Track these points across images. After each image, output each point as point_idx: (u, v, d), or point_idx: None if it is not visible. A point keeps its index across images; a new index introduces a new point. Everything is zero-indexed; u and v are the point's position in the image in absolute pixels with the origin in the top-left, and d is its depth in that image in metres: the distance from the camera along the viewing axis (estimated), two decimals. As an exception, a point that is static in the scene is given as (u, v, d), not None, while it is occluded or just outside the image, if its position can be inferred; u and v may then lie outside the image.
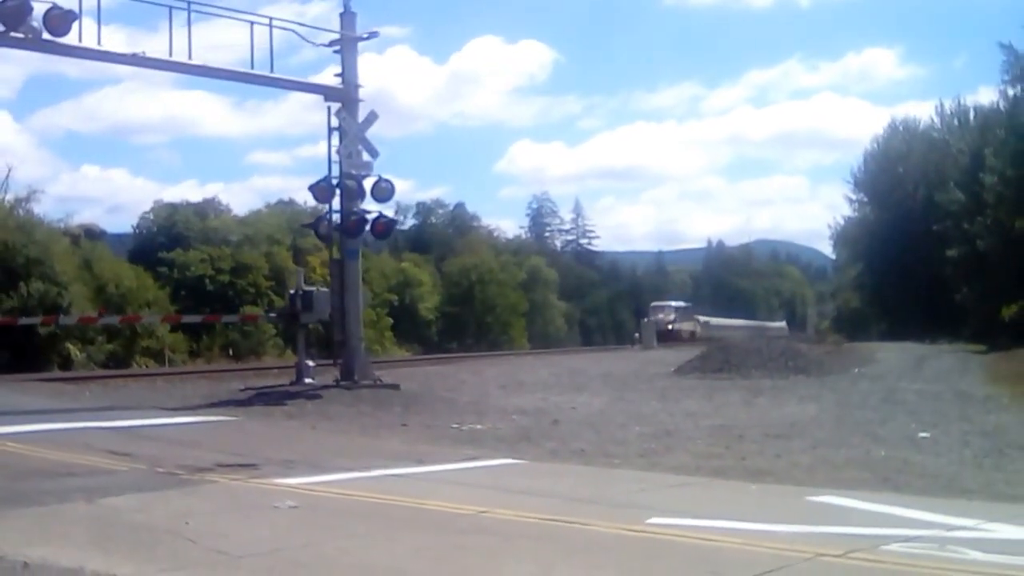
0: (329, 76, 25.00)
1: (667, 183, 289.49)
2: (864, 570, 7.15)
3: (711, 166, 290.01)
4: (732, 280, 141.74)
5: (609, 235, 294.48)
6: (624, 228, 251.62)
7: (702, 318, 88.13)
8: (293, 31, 24.50)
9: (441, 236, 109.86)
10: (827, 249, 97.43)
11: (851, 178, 79.82)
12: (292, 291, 25.79)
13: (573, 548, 7.84)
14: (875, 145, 78.17)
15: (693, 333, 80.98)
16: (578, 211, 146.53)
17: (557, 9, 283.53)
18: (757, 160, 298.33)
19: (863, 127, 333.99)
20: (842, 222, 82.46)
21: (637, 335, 65.33)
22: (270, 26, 23.27)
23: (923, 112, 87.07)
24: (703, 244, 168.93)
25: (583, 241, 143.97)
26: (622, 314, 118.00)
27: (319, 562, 7.37)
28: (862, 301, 79.67)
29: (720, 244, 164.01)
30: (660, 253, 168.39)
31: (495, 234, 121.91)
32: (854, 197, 79.61)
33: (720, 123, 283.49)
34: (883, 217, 72.65)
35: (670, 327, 76.99)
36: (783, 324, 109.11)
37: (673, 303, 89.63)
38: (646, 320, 71.87)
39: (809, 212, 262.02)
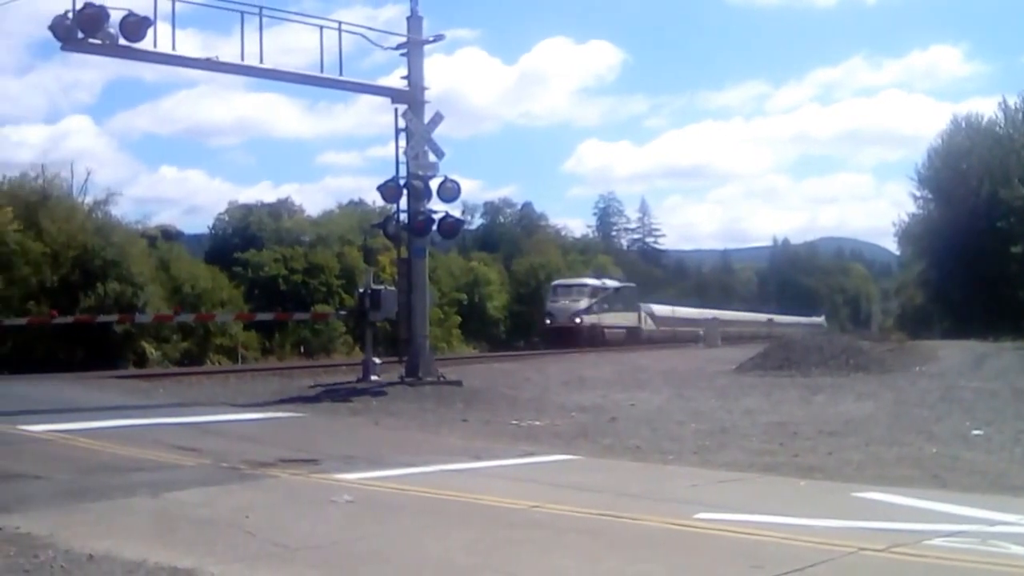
0: (397, 79, 25.33)
1: (733, 181, 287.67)
2: (905, 564, 7.21)
3: (777, 164, 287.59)
4: (798, 278, 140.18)
5: (675, 234, 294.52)
6: (690, 227, 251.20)
7: (658, 308, 70.54)
8: (361, 35, 24.90)
9: (509, 235, 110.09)
10: (892, 246, 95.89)
11: (915, 175, 78.71)
12: (360, 290, 26.19)
13: (621, 542, 7.98)
14: (939, 142, 76.89)
15: (632, 331, 62.55)
16: (644, 210, 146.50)
17: (625, 10, 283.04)
18: (823, 158, 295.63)
19: (928, 124, 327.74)
20: (906, 219, 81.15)
21: (701, 333, 64.94)
22: (339, 30, 23.68)
23: (987, 108, 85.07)
24: (768, 242, 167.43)
25: (649, 240, 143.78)
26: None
27: (372, 555, 7.57)
28: (926, 298, 78.37)
29: (785, 242, 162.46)
30: (726, 251, 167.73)
31: (562, 233, 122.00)
32: (918, 194, 78.37)
33: (786, 121, 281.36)
34: (947, 214, 71.46)
35: (578, 320, 57.51)
36: (821, 319, 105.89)
37: (591, 280, 65.42)
38: (548, 308, 60.03)
39: (875, 209, 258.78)
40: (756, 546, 7.67)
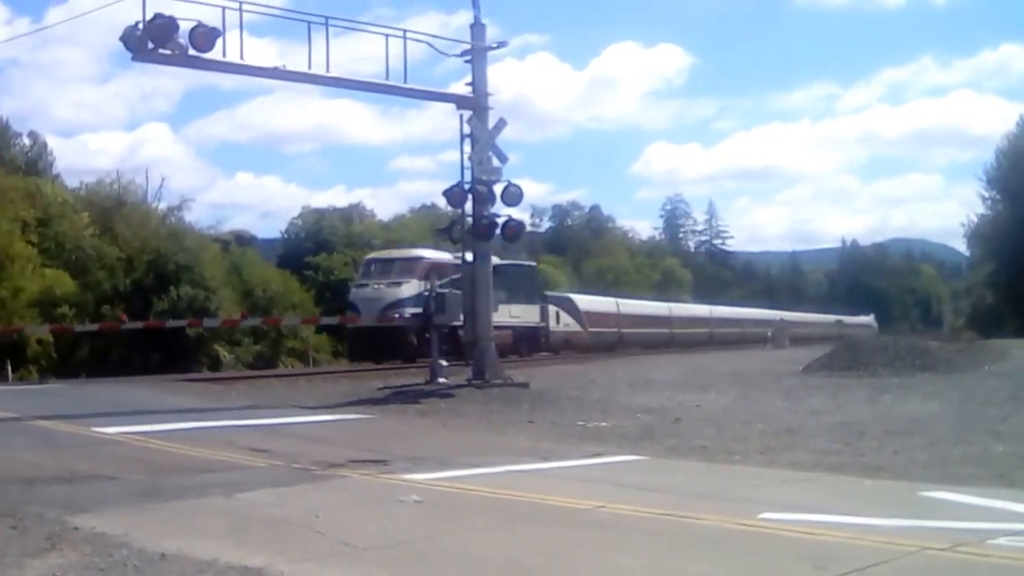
0: (463, 85, 25.49)
1: (802, 183, 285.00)
2: (969, 563, 7.15)
3: (846, 165, 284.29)
4: (867, 279, 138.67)
5: (743, 236, 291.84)
6: (758, 228, 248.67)
7: (587, 301, 56.52)
8: (427, 43, 25.10)
9: (577, 238, 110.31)
10: (962, 247, 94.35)
11: (983, 175, 77.55)
12: (426, 293, 26.42)
13: (684, 541, 8.00)
14: (1006, 142, 75.60)
15: (528, 333, 46.29)
16: (712, 212, 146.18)
17: (693, 13, 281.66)
18: (892, 159, 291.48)
19: (999, 124, 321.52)
20: (975, 220, 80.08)
21: (769, 333, 64.24)
22: (404, 38, 23.93)
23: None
24: (837, 244, 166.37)
25: (717, 242, 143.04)
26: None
27: (439, 554, 7.65)
28: (996, 298, 77.15)
29: (854, 243, 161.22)
30: (794, 253, 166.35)
31: (630, 235, 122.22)
32: (987, 195, 77.29)
33: (855, 122, 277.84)
34: (1016, 214, 70.27)
35: (397, 316, 37.17)
36: (870, 318, 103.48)
37: (428, 253, 43.94)
38: (352, 297, 42.41)
39: (945, 210, 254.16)
40: (819, 546, 7.64)
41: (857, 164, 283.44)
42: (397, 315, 37.52)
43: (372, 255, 47.00)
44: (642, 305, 67.09)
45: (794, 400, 21.56)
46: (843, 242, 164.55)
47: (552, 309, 50.22)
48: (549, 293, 53.72)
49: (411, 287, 39.28)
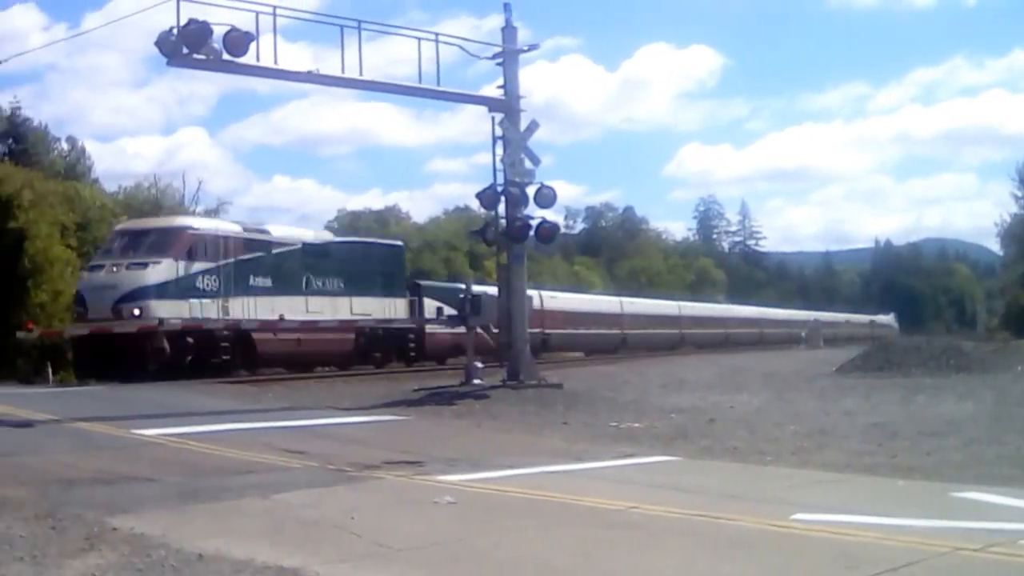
0: (495, 88, 25.54)
1: (835, 183, 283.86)
2: (1001, 564, 7.14)
3: (879, 165, 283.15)
4: (901, 279, 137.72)
5: (777, 236, 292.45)
6: (792, 229, 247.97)
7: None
8: (459, 46, 25.19)
9: (611, 239, 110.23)
10: (996, 246, 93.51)
11: (1016, 175, 76.94)
12: (461, 295, 26.52)
13: (716, 542, 8.02)
14: (1037, 141, 75.33)
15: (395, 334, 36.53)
16: (744, 212, 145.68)
17: (725, 14, 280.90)
18: (925, 158, 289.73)
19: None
20: (1008, 219, 79.48)
21: (803, 334, 63.58)
22: (436, 42, 24.04)
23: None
24: (871, 244, 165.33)
25: (750, 242, 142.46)
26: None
27: (472, 555, 7.72)
28: (1030, 298, 76.50)
29: (888, 243, 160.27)
30: (828, 253, 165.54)
31: (663, 236, 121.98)
32: (1020, 194, 76.92)
33: (887, 122, 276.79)
34: (1049, 213, 69.80)
35: (136, 313, 27.99)
36: (890, 318, 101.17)
37: (195, 223, 33.62)
38: (80, 287, 30.80)
39: (979, 209, 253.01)
40: (851, 546, 7.64)
41: (890, 164, 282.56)
42: (137, 311, 27.84)
43: (121, 225, 35.04)
44: (574, 298, 57.23)
45: (827, 401, 21.56)
46: (876, 242, 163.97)
47: (432, 304, 35.78)
48: (426, 283, 41.99)
49: (161, 270, 28.68)
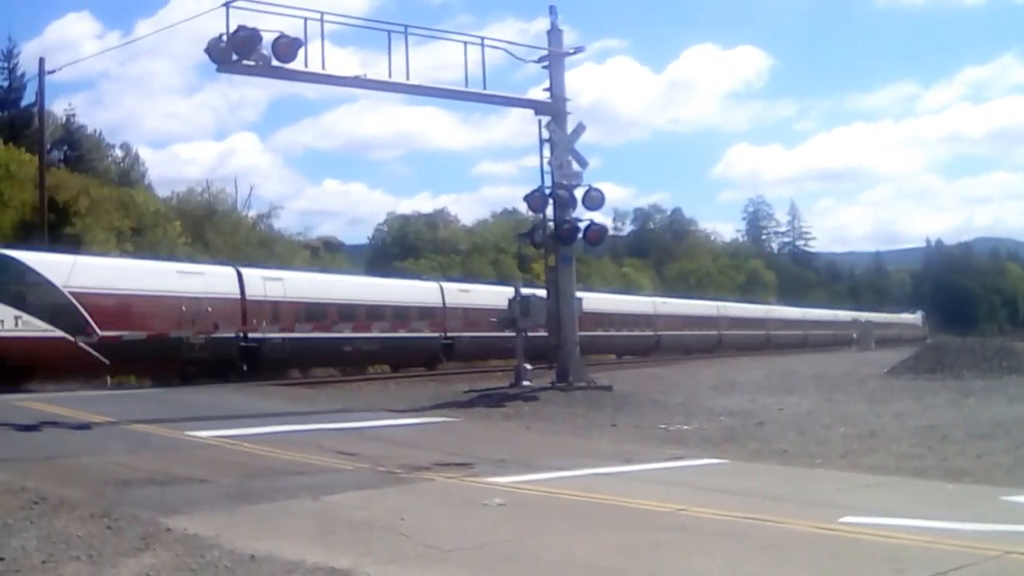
0: (541, 91, 25.63)
1: (884, 183, 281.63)
2: (1053, 568, 7.08)
3: (929, 164, 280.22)
4: (953, 279, 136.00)
5: (826, 236, 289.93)
6: (842, 229, 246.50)
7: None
8: (505, 50, 25.28)
9: (659, 241, 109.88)
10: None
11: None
12: (510, 298, 26.58)
13: (765, 545, 8.00)
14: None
15: None
16: (794, 213, 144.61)
17: (772, 15, 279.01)
18: (976, 157, 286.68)
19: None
20: (1061, 217, 78.08)
21: (854, 336, 62.85)
22: (482, 46, 24.15)
23: None
24: (922, 243, 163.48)
25: (800, 243, 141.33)
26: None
27: (521, 556, 7.76)
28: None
29: (939, 243, 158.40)
30: (878, 253, 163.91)
31: (712, 238, 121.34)
32: (1072, 191, 75.38)
33: (937, 121, 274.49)
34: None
35: None
36: (916, 316, 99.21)
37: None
38: None
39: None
40: (900, 550, 7.61)
41: (940, 163, 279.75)
42: None
43: None
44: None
45: (877, 403, 21.39)
46: (927, 242, 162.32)
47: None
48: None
49: None
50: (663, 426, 17.81)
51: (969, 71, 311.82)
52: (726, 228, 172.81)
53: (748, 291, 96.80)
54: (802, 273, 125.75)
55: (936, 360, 30.20)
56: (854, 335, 63.66)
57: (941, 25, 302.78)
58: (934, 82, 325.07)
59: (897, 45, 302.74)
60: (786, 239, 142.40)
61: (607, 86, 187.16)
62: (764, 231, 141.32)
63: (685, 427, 17.62)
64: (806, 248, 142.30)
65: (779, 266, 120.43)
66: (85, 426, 16.77)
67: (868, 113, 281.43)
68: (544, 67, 25.18)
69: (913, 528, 8.30)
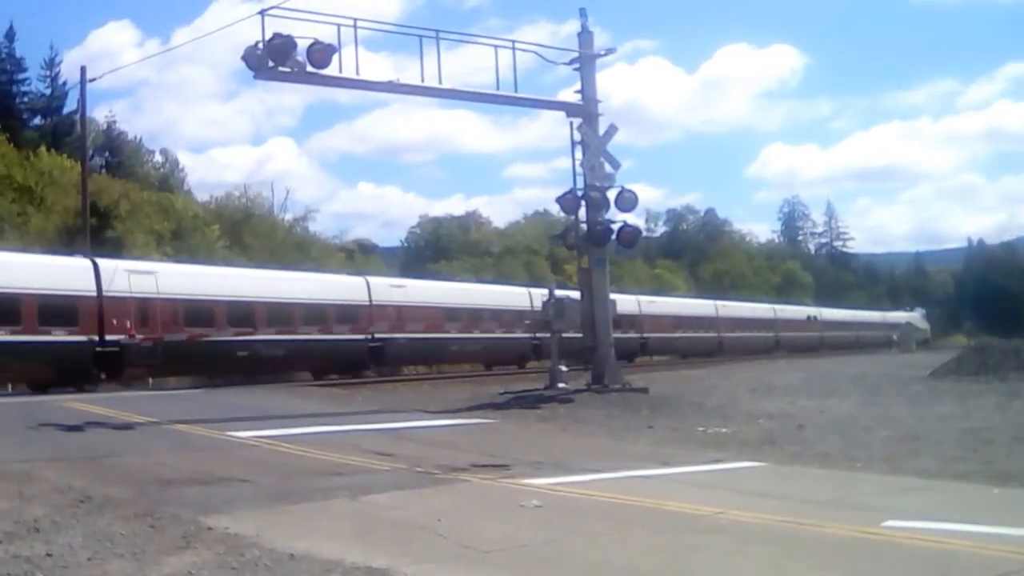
0: (572, 93, 25.50)
1: (924, 182, 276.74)
2: (1100, 574, 6.98)
3: (969, 162, 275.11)
4: (995, 279, 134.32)
5: (865, 236, 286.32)
6: (881, 229, 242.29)
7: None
8: (535, 53, 25.31)
9: (693, 242, 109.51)
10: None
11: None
12: (544, 300, 26.58)
13: (805, 549, 7.98)
14: None
15: None
16: (831, 213, 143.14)
17: (805, 13, 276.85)
18: (1018, 154, 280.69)
19: None
20: (1105, 215, 76.94)
21: (895, 337, 62.25)
22: (512, 49, 24.27)
23: None
24: (963, 243, 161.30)
25: (837, 243, 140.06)
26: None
27: (559, 558, 7.78)
28: None
29: (981, 243, 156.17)
30: (918, 254, 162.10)
31: (747, 239, 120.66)
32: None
33: (977, 118, 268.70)
34: None
35: None
36: (916, 315, 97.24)
37: None
38: None
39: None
40: (944, 555, 7.57)
41: (981, 161, 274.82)
42: None
43: None
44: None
45: (920, 405, 21.14)
46: (969, 241, 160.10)
47: None
48: None
49: None
50: (701, 429, 17.75)
51: (1010, 67, 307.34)
52: (761, 229, 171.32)
53: (784, 293, 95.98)
54: (840, 274, 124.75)
55: (980, 362, 29.78)
56: (894, 336, 63.01)
57: (979, 21, 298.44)
58: (974, 78, 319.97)
59: (935, 41, 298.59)
60: (823, 240, 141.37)
61: (639, 87, 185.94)
62: (800, 232, 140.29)
63: (723, 430, 17.53)
64: (844, 249, 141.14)
65: (816, 267, 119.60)
66: (128, 426, 16.95)
67: (906, 111, 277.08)
68: (575, 69, 25.16)
69: (958, 533, 8.23)
